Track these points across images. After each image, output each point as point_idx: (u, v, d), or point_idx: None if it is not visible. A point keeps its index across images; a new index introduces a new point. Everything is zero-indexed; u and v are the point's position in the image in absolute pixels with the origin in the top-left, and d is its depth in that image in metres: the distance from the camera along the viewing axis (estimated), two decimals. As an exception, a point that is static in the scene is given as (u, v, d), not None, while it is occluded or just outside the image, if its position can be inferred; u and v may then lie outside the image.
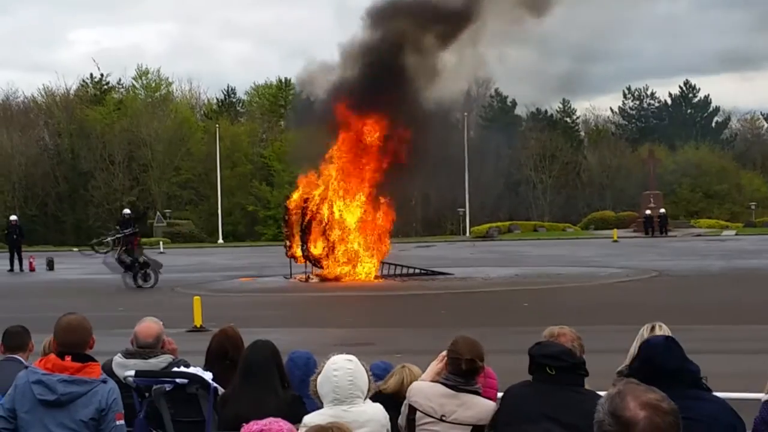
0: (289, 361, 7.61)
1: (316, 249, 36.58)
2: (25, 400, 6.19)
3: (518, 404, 6.08)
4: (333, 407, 5.90)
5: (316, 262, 36.55)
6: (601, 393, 3.55)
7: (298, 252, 36.85)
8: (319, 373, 6.06)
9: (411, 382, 7.14)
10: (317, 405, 6.16)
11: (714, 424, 5.30)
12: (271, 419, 5.02)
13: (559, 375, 5.96)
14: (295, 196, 38.53)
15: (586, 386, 6.13)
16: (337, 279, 35.39)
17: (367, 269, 36.22)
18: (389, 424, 6.18)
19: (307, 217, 36.84)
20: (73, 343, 6.35)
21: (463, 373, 6.53)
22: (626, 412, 3.28)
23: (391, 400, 6.82)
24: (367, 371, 6.13)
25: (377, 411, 6.06)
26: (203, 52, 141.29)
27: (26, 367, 6.83)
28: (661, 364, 5.43)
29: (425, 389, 6.65)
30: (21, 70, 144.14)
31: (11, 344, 7.99)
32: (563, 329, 7.25)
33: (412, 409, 6.61)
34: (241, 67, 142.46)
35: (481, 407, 6.47)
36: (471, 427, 6.43)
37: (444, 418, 6.45)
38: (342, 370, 5.96)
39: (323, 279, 35.46)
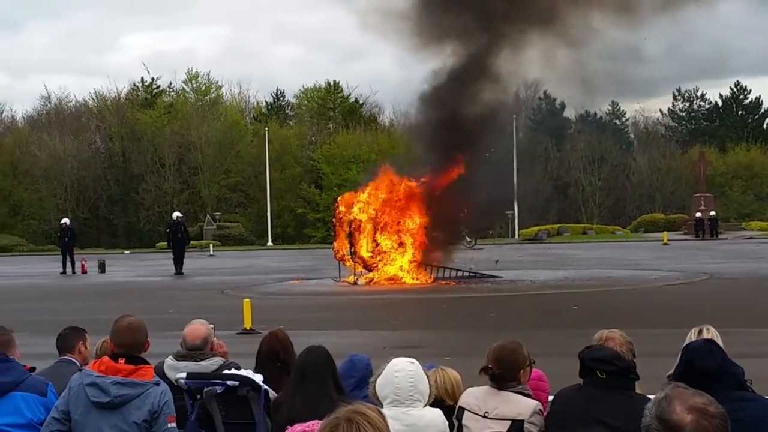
0: (348, 363, 7.70)
1: (365, 252, 36.58)
2: (79, 402, 6.27)
3: (569, 408, 6.10)
4: (391, 408, 5.92)
5: (364, 264, 36.55)
6: (652, 397, 3.56)
7: (347, 255, 36.88)
8: (378, 376, 6.09)
9: (445, 382, 7.20)
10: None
11: (763, 425, 5.27)
12: (313, 421, 5.06)
13: (609, 379, 5.97)
14: (345, 199, 38.52)
15: (637, 390, 6.13)
16: (385, 281, 35.38)
17: (412, 273, 36.17)
18: (448, 430, 6.20)
19: (356, 221, 36.84)
20: (130, 344, 6.43)
21: (493, 379, 6.59)
22: (673, 416, 3.29)
23: (440, 404, 6.85)
24: (428, 377, 6.17)
25: (436, 416, 6.08)
26: (254, 56, 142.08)
27: (79, 369, 6.93)
28: (702, 366, 5.42)
29: (475, 390, 6.74)
30: (73, 74, 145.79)
31: (58, 345, 8.11)
32: (613, 333, 7.24)
33: (461, 410, 6.67)
34: (290, 70, 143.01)
35: (522, 403, 6.50)
36: (510, 423, 6.46)
37: (486, 415, 6.50)
38: (403, 371, 5.99)
39: (371, 282, 35.48)
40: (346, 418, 3.55)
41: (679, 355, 5.70)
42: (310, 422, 5.09)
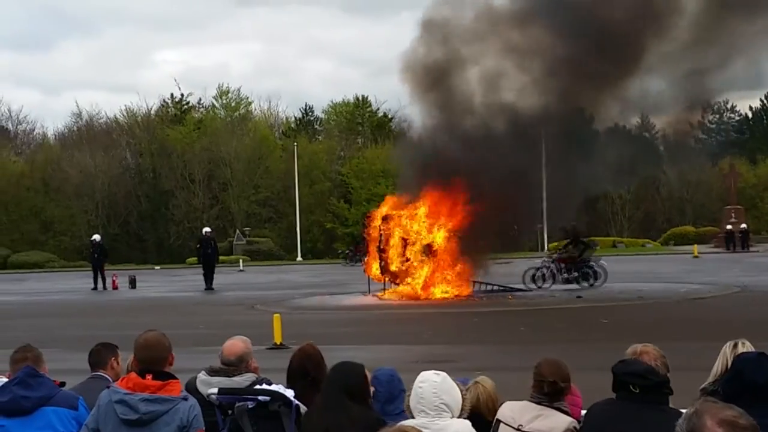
0: (373, 379, 7.65)
1: (394, 266, 36.46)
2: (109, 420, 6.27)
3: (602, 422, 6.06)
4: (419, 418, 5.96)
5: (394, 279, 36.45)
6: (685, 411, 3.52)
7: (376, 269, 36.79)
8: (411, 390, 6.16)
9: (486, 396, 7.21)
10: None
11: None
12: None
13: (643, 393, 5.93)
14: (377, 213, 38.35)
15: (671, 405, 6.08)
16: (414, 296, 35.29)
17: (444, 287, 36.05)
18: None
19: (386, 235, 36.73)
20: (152, 360, 6.42)
21: (545, 394, 6.57)
22: (704, 430, 3.26)
23: (476, 417, 6.86)
24: (460, 390, 6.21)
25: (464, 427, 6.08)
26: (285, 71, 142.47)
27: (108, 386, 6.94)
28: (751, 379, 5.33)
29: (514, 405, 6.78)
30: (105, 91, 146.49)
31: (90, 361, 8.15)
32: (646, 347, 7.18)
33: (497, 422, 6.71)
34: (320, 85, 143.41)
35: (558, 418, 6.50)
36: None
37: (521, 427, 6.52)
38: (428, 382, 6.08)
39: (401, 296, 35.37)
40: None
41: (717, 364, 5.62)
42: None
